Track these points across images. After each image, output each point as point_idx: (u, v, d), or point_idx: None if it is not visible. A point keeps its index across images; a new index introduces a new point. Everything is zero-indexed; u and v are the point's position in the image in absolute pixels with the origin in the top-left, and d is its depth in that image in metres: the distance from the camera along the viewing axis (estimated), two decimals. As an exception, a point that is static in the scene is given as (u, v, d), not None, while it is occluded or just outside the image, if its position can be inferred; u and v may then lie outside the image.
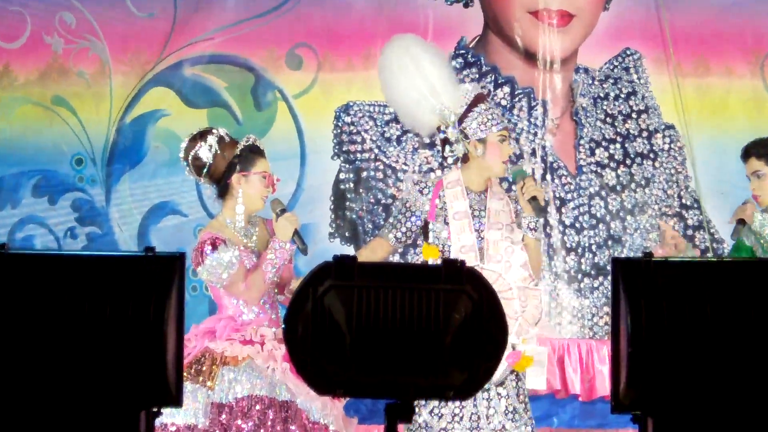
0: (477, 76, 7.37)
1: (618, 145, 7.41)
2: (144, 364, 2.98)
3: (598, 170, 7.38)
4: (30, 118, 7.50)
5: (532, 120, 7.38)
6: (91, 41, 7.48)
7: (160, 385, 3.01)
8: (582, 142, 7.40)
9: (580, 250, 7.30)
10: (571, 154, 7.41)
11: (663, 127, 7.43)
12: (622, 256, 7.13)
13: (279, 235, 5.00)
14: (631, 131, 7.42)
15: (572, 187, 7.36)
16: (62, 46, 7.48)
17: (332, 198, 7.43)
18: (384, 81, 5.38)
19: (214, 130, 5.13)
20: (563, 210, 7.32)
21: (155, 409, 3.06)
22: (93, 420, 3.02)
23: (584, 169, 7.37)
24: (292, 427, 4.89)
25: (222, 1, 7.45)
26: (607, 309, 7.18)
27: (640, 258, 3.12)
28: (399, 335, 2.94)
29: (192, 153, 5.08)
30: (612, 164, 7.40)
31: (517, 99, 7.39)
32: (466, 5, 7.44)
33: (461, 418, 5.06)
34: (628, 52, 7.46)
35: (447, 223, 5.17)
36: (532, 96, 7.38)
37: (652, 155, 7.41)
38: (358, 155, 7.40)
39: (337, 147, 7.42)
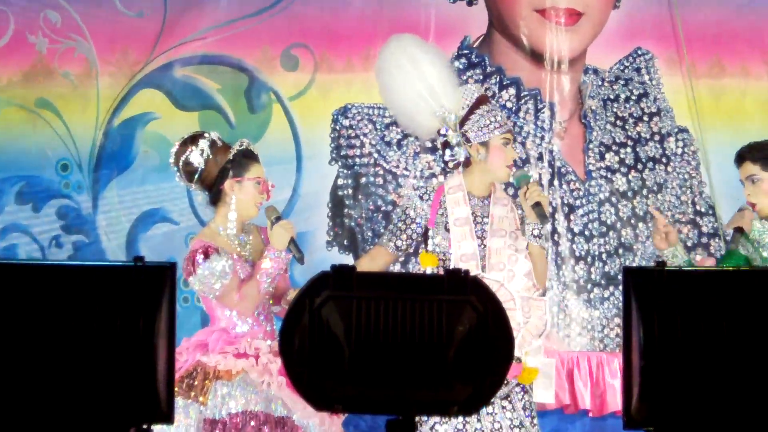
0: (481, 77, 7.38)
1: (629, 149, 7.42)
2: (133, 379, 2.99)
3: (608, 175, 7.38)
4: (13, 121, 7.51)
5: (539, 123, 7.38)
6: (77, 41, 7.49)
7: (151, 401, 3.01)
8: (591, 146, 7.40)
9: (589, 259, 7.30)
10: (580, 159, 7.41)
11: (676, 130, 7.44)
12: (634, 265, 7.14)
13: (274, 244, 5.00)
14: (643, 135, 7.43)
15: (581, 194, 7.36)
16: (47, 46, 7.49)
17: (330, 205, 7.43)
18: (381, 83, 5.40)
19: (205, 134, 5.14)
20: (572, 217, 7.33)
21: (145, 426, 3.06)
22: (80, 437, 3.02)
23: (594, 175, 7.38)
24: (288, 445, 4.90)
25: (214, -1, 7.47)
26: (618, 320, 7.18)
27: (652, 267, 3.12)
28: (400, 348, 2.95)
29: (183, 158, 5.08)
30: (623, 169, 7.40)
31: (523, 101, 7.39)
32: (469, 3, 7.45)
33: (465, 435, 5.07)
34: (640, 52, 7.46)
35: (448, 230, 5.17)
36: (538, 98, 7.38)
37: (664, 160, 7.42)
38: (357, 160, 7.40)
39: (334, 151, 7.43)
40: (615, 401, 6.84)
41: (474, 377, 2.97)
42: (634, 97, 7.46)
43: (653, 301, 3.04)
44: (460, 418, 5.05)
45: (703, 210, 7.37)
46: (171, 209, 7.45)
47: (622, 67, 7.47)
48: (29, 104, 7.49)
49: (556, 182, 7.34)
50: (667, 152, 7.42)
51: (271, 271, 4.97)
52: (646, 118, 7.45)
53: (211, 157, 5.07)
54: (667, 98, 7.46)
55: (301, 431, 4.92)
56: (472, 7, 7.45)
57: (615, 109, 7.45)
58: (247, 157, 5.10)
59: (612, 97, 7.46)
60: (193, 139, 5.10)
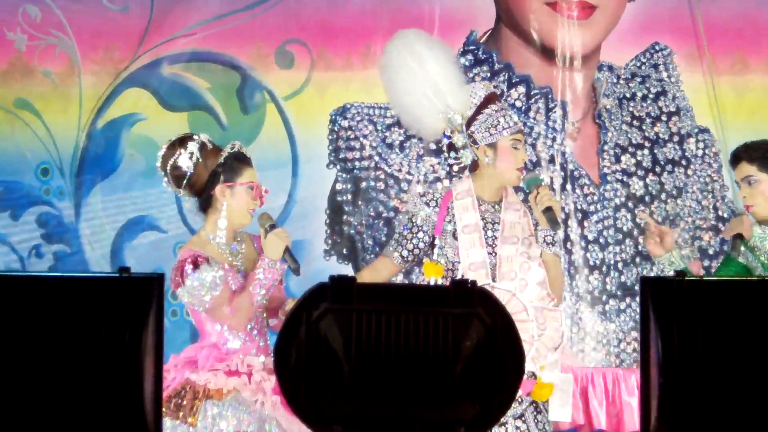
0: (488, 74, 7.39)
1: (646, 151, 7.42)
2: (119, 398, 2.98)
3: (624, 179, 7.39)
4: (-11, 123, 7.52)
5: (550, 123, 7.39)
6: (58, 37, 7.50)
7: (137, 422, 3.00)
8: (606, 147, 7.40)
9: (604, 269, 7.31)
10: (594, 162, 7.41)
11: (696, 130, 7.44)
12: (652, 274, 7.14)
13: (268, 253, 5.00)
14: (661, 135, 7.43)
15: (595, 198, 7.36)
16: (26, 43, 7.49)
17: (328, 211, 7.43)
18: (386, 83, 5.41)
19: (195, 136, 5.14)
20: (585, 224, 7.33)
21: (131, 449, 3.06)
22: (61, 461, 3.02)
23: (609, 178, 7.38)
24: (284, 468, 4.90)
25: (204, -8, 7.48)
26: (635, 334, 7.18)
27: (671, 277, 3.12)
28: (403, 364, 2.95)
29: (170, 162, 5.08)
30: (640, 172, 7.40)
31: (533, 100, 7.40)
32: (476, -5, 7.46)
33: (473, 457, 5.06)
34: (657, 48, 7.47)
35: (456, 238, 5.17)
36: (550, 96, 7.39)
37: (684, 162, 7.42)
38: (357, 163, 7.40)
39: (333, 154, 7.43)
40: (632, 421, 6.83)
41: (482, 395, 2.97)
42: (651, 96, 7.46)
43: (673, 313, 3.04)
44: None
45: (725, 215, 7.37)
46: (158, 216, 7.45)
47: (638, 64, 7.48)
48: (7, 105, 7.49)
49: (568, 187, 7.34)
50: (686, 154, 7.43)
51: (264, 282, 4.97)
52: (664, 118, 7.45)
53: (200, 160, 5.07)
54: (686, 96, 7.47)
55: (297, 453, 4.92)
56: (479, 0, 7.46)
57: (631, 109, 7.45)
58: (240, 160, 5.10)
59: (628, 95, 7.46)
60: (181, 142, 5.11)
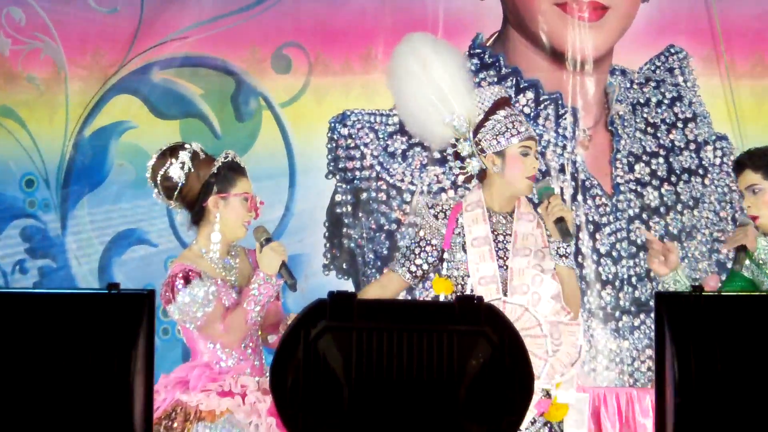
0: (495, 79, 7.39)
1: (661, 160, 7.43)
2: (107, 420, 2.99)
3: (639, 189, 7.39)
4: (-29, 132, 7.52)
5: (560, 131, 7.39)
6: (43, 41, 7.51)
7: (126, 445, 3.01)
8: (619, 156, 7.41)
9: (617, 283, 7.31)
10: (607, 171, 7.42)
11: (714, 137, 7.45)
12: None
13: (263, 268, 5.00)
14: (677, 143, 7.44)
15: (608, 210, 7.36)
16: (9, 47, 7.50)
17: (327, 224, 7.44)
18: (392, 90, 5.41)
19: (187, 145, 5.14)
20: (598, 236, 7.33)
21: (120, 473, 3.06)
22: (47, 487, 3.02)
23: (622, 188, 7.38)
24: (281, 494, 4.90)
25: (197, -7, 7.50)
26: (649, 352, 7.18)
27: (688, 292, 3.12)
28: (405, 385, 2.95)
29: (161, 172, 5.09)
30: (654, 182, 7.40)
31: (542, 106, 7.40)
32: (482, -4, 7.48)
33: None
34: (673, 50, 7.48)
35: (465, 251, 5.17)
36: (560, 102, 7.39)
37: (701, 171, 7.42)
38: (357, 173, 7.41)
39: (332, 164, 7.44)
40: (647, 442, 6.84)
41: (489, 418, 2.97)
42: (666, 101, 7.47)
43: (689, 330, 3.05)
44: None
45: (745, 227, 7.36)
46: (149, 230, 7.45)
47: (653, 68, 7.48)
48: (-10, 112, 7.51)
49: (579, 197, 7.34)
50: (704, 163, 7.43)
51: (259, 298, 4.97)
52: (680, 125, 7.45)
53: (192, 170, 5.07)
54: (703, 102, 7.47)
55: (295, 478, 4.91)
56: (485, 1, 7.47)
57: (645, 115, 7.46)
58: (234, 170, 5.11)
59: (642, 101, 7.47)
60: (172, 151, 5.11)
